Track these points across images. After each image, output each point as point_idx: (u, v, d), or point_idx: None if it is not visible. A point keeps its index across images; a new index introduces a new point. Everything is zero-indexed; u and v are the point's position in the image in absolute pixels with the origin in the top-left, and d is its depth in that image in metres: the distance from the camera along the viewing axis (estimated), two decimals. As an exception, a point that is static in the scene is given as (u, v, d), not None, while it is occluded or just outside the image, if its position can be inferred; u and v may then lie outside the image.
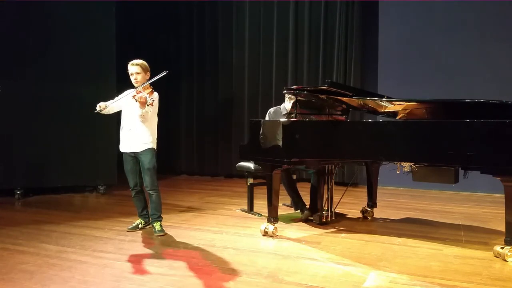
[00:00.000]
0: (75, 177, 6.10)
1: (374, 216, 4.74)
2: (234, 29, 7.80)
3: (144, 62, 4.04)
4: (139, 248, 3.68)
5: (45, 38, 5.90)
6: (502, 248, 3.33)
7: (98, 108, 3.97)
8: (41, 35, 5.87)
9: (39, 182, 5.95)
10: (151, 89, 3.96)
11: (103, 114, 4.08)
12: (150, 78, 3.96)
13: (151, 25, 8.33)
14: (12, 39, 5.75)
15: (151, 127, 4.06)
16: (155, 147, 4.11)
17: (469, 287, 2.84)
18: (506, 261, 3.26)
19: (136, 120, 4.00)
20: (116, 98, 4.11)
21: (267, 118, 4.87)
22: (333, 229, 4.25)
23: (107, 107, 4.00)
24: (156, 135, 4.13)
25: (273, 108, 5.00)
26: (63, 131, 5.97)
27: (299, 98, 4.13)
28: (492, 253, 3.41)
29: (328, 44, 7.04)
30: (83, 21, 6.03)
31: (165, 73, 3.81)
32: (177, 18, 8.24)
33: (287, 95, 4.76)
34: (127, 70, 4.04)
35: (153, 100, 3.90)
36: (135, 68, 3.99)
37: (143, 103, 3.80)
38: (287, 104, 4.77)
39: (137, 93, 3.83)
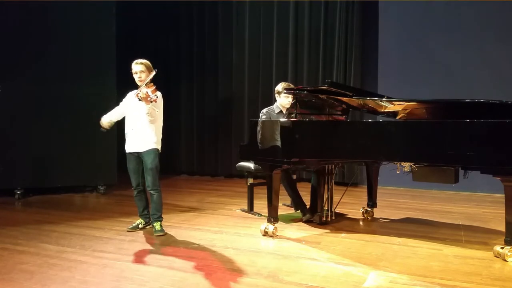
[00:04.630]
0: (75, 177, 6.11)
1: (374, 216, 4.74)
2: (234, 29, 7.80)
3: (148, 62, 4.09)
4: (139, 248, 3.68)
5: (45, 38, 5.90)
6: (502, 248, 3.33)
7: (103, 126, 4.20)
8: (41, 35, 5.87)
9: (39, 182, 5.95)
10: (154, 87, 3.95)
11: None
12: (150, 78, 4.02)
13: (151, 25, 8.33)
14: (12, 39, 5.76)
15: (156, 128, 4.08)
16: (158, 147, 4.12)
17: (469, 287, 2.84)
18: (506, 261, 3.26)
19: (139, 120, 4.02)
20: (118, 106, 4.29)
21: (261, 118, 4.82)
22: (333, 229, 4.25)
23: (109, 122, 4.21)
24: (160, 136, 4.15)
25: (266, 108, 4.87)
26: (63, 131, 5.97)
27: (298, 98, 4.12)
28: (492, 253, 3.41)
29: (328, 44, 7.03)
30: (83, 21, 6.03)
31: (154, 73, 3.92)
32: (177, 18, 8.23)
33: (279, 93, 4.75)
34: (130, 69, 4.07)
35: (157, 97, 3.93)
36: (139, 67, 4.03)
37: (146, 99, 3.82)
38: (282, 101, 4.72)
39: (140, 91, 3.88)
